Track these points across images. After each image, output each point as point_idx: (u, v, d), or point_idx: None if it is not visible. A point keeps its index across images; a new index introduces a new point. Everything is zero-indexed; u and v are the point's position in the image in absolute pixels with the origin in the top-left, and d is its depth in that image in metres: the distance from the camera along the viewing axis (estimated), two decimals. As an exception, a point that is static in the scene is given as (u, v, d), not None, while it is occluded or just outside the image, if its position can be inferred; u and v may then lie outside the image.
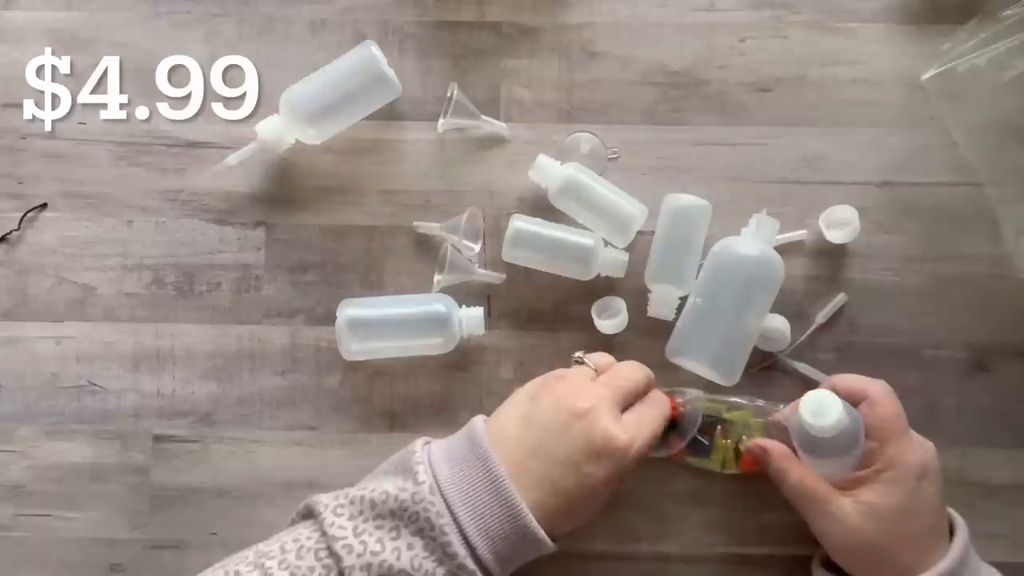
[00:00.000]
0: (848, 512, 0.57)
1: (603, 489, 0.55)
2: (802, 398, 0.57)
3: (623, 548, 0.68)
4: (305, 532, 0.54)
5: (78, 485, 0.69)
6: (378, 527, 0.52)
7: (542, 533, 0.53)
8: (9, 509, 0.69)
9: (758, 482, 0.67)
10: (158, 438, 0.70)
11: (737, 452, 0.66)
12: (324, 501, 0.55)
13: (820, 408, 0.55)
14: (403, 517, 0.52)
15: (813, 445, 0.57)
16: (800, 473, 0.60)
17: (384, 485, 0.54)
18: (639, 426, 0.57)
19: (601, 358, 0.62)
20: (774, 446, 0.62)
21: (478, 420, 0.58)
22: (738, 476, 0.67)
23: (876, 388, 0.60)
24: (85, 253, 0.71)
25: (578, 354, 0.62)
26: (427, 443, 0.58)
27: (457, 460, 0.55)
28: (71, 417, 0.70)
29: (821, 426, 0.55)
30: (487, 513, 0.53)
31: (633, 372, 0.61)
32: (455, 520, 0.52)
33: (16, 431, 0.70)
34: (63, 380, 0.70)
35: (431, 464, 0.54)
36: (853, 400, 0.59)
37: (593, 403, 0.56)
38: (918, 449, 0.59)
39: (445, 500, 0.52)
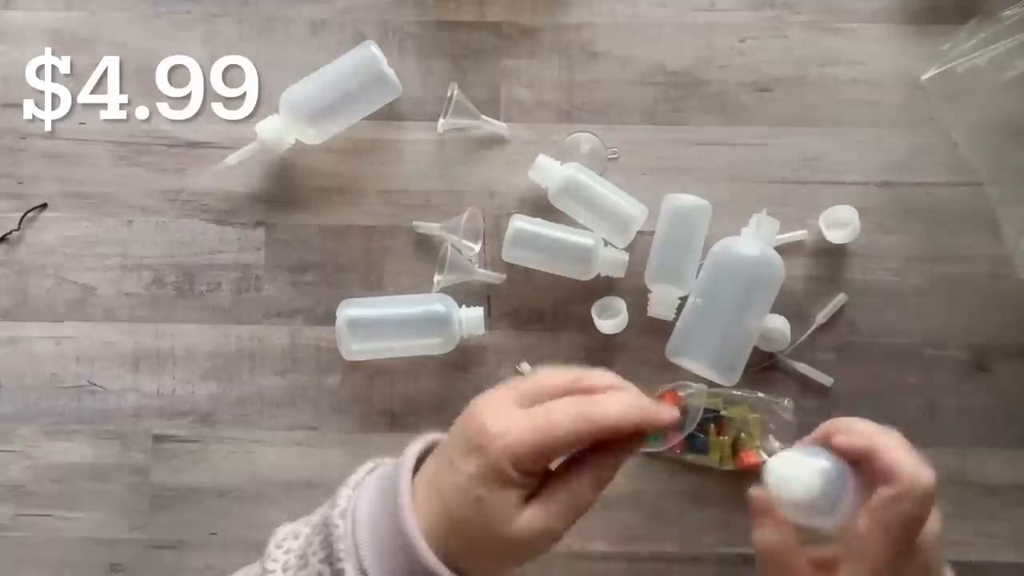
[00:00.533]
0: None
1: (474, 487, 0.44)
2: (771, 459, 0.49)
3: (623, 548, 0.68)
4: (254, 568, 0.50)
5: (78, 485, 0.69)
6: (299, 556, 0.47)
7: (432, 561, 0.44)
8: (9, 509, 0.69)
9: (757, 481, 0.67)
10: (158, 438, 0.70)
11: (735, 448, 0.66)
12: (280, 533, 0.50)
13: (786, 480, 0.48)
14: (315, 543, 0.46)
15: (784, 501, 0.49)
16: (765, 535, 0.51)
17: (321, 509, 0.49)
18: (526, 417, 0.45)
19: (546, 375, 0.49)
20: (756, 499, 0.52)
21: (421, 437, 0.50)
22: (737, 475, 0.67)
23: (910, 477, 0.47)
24: (85, 253, 0.71)
25: (521, 365, 0.55)
26: (377, 465, 0.51)
27: (383, 482, 0.48)
28: (71, 417, 0.70)
29: (785, 499, 0.48)
30: (385, 538, 0.45)
31: (549, 377, 0.48)
32: (355, 545, 0.45)
33: (16, 431, 0.70)
34: (63, 380, 0.70)
35: (359, 487, 0.48)
36: (876, 476, 0.48)
37: (486, 402, 0.47)
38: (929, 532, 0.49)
39: (353, 523, 0.46)
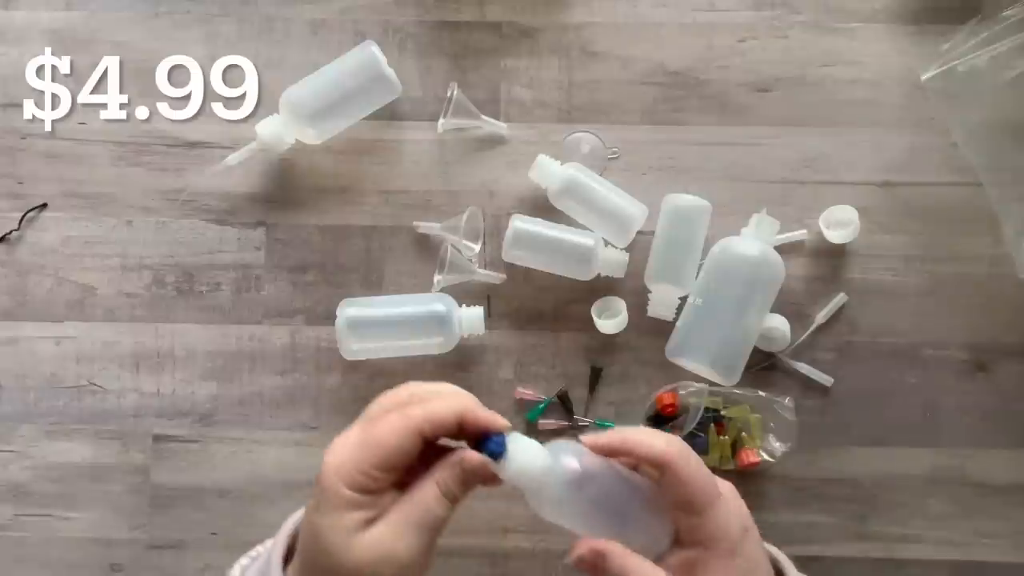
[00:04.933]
0: None
1: (314, 519, 0.43)
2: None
3: (623, 548, 0.68)
4: None
5: (78, 485, 0.69)
6: None
7: None
8: (9, 509, 0.69)
9: (757, 481, 0.68)
10: (158, 438, 0.70)
11: (735, 448, 0.66)
12: None
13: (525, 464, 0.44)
14: None
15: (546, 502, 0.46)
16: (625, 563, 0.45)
17: None
18: (354, 435, 0.44)
19: (388, 395, 0.46)
20: (608, 548, 0.45)
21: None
22: (737, 474, 0.67)
23: (673, 452, 0.46)
24: (85, 253, 0.71)
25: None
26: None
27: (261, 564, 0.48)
28: (71, 417, 0.70)
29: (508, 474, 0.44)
30: None
31: (391, 397, 0.46)
32: None
33: (16, 431, 0.70)
34: (63, 380, 0.70)
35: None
36: (653, 466, 0.47)
37: (335, 440, 0.45)
38: (731, 503, 0.48)
39: None
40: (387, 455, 0.42)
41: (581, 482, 0.45)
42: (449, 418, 0.43)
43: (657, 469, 0.46)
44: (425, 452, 0.44)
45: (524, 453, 0.44)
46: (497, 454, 0.43)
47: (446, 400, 0.44)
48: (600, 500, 0.46)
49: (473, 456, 0.44)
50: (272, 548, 0.47)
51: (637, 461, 0.47)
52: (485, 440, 0.43)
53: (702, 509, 0.46)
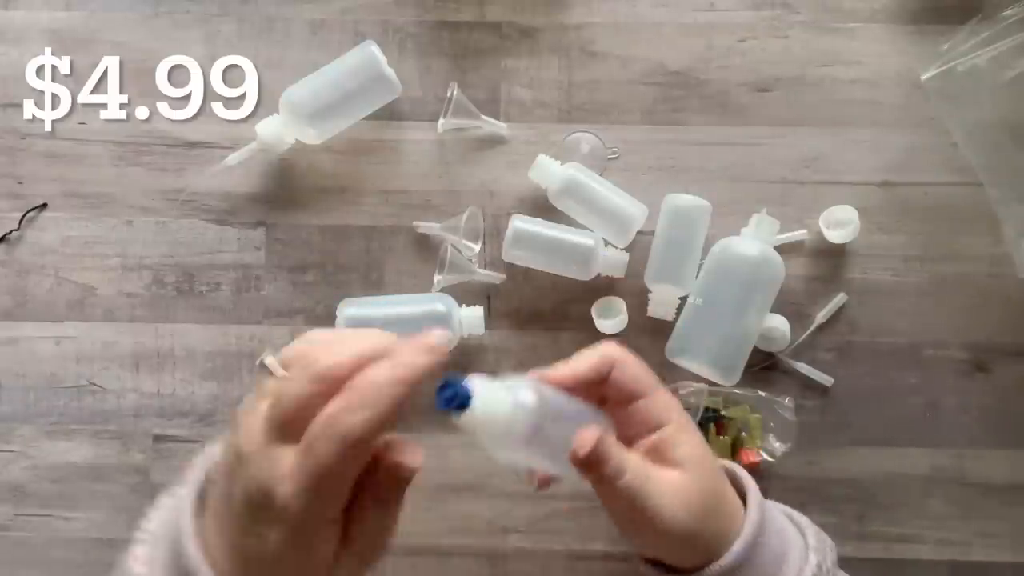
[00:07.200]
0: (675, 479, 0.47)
1: (295, 556, 0.40)
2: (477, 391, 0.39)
3: (623, 548, 0.68)
4: None
5: (78, 485, 0.69)
6: None
7: None
8: (9, 509, 0.69)
9: (757, 481, 0.67)
10: (158, 438, 0.70)
11: (735, 448, 0.66)
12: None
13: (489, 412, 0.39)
14: None
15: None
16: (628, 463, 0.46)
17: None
18: (298, 467, 0.39)
19: (293, 350, 0.42)
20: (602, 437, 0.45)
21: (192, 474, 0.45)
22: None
23: (614, 350, 0.49)
24: (85, 253, 0.71)
25: (261, 359, 0.42)
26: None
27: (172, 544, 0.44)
28: (71, 417, 0.70)
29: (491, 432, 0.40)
30: None
31: (297, 389, 0.40)
32: None
33: (16, 431, 0.70)
34: (63, 380, 0.70)
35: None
36: (601, 374, 0.48)
37: (243, 440, 0.41)
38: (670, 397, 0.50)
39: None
40: (344, 479, 0.40)
41: (543, 416, 0.41)
42: (392, 416, 0.39)
43: (605, 368, 0.49)
44: None
45: (490, 395, 0.39)
46: (464, 404, 0.38)
47: (377, 398, 0.39)
48: (560, 430, 0.43)
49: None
50: (181, 505, 0.43)
51: (585, 378, 0.48)
52: (447, 389, 0.38)
53: (651, 389, 0.49)
